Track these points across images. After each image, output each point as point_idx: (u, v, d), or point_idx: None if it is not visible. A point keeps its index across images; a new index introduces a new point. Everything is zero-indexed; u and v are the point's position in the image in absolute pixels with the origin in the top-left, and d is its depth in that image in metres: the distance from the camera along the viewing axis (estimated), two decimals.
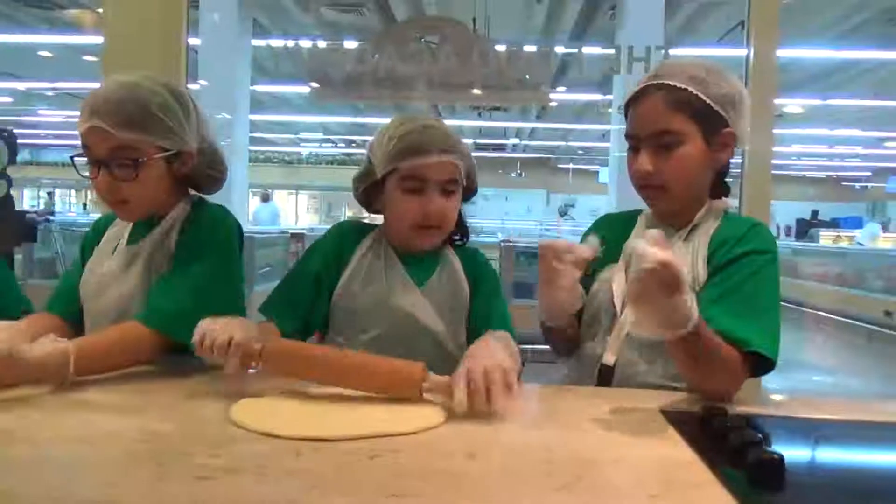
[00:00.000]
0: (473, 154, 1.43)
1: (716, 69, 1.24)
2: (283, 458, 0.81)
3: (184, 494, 0.70)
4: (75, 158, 1.28)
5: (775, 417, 1.09)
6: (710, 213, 1.30)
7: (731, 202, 1.36)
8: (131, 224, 1.39)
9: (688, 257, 1.25)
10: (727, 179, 1.37)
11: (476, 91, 4.21)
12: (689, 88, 1.20)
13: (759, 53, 2.30)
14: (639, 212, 1.40)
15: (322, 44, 4.70)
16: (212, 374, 1.17)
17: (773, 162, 2.34)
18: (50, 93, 11.50)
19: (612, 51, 6.44)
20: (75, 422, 0.94)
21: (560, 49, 7.34)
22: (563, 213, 18.86)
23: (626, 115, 1.29)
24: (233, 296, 1.36)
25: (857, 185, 20.15)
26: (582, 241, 1.37)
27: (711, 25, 7.73)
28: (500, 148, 18.16)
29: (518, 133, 16.57)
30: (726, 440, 0.89)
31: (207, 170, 1.39)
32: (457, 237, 1.47)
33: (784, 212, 16.19)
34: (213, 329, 1.05)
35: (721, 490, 0.76)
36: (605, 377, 1.26)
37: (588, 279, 1.33)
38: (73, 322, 1.37)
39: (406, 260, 1.40)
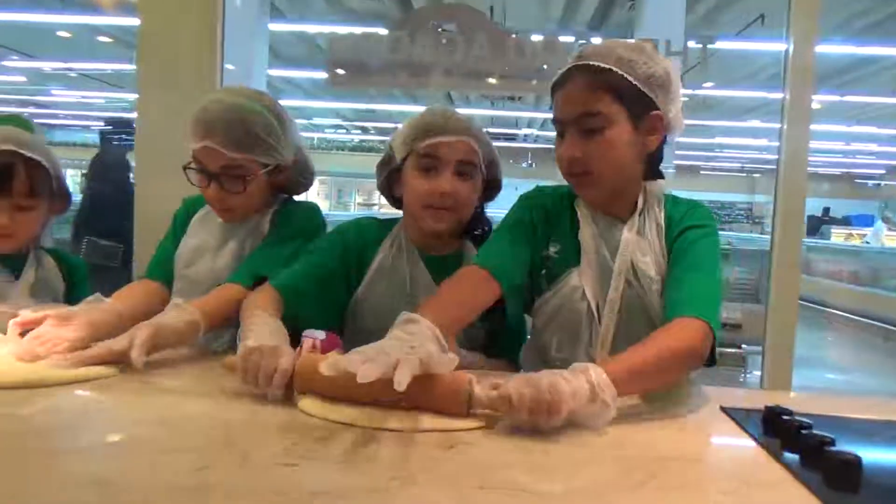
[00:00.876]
0: None
1: (644, 50, 1.20)
2: (363, 447, 0.81)
3: (271, 480, 0.71)
4: (187, 169, 1.40)
5: (835, 418, 1.08)
6: (651, 198, 1.27)
7: (661, 182, 1.29)
8: None
9: (649, 254, 1.23)
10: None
11: (494, 80, 4.19)
12: (614, 69, 1.16)
13: (797, 48, 2.27)
14: (566, 189, 1.32)
15: (344, 30, 4.71)
16: None
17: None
18: (73, 74, 11.50)
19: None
20: (152, 405, 0.95)
21: (596, 40, 7.29)
22: None
23: (552, 100, 1.25)
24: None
25: (871, 182, 20.03)
26: (515, 210, 1.33)
27: (731, 18, 7.67)
28: (512, 138, 18.12)
29: (530, 123, 16.51)
30: (798, 440, 0.89)
31: (299, 176, 1.53)
32: (475, 232, 1.46)
33: None
34: (256, 357, 1.00)
35: (801, 490, 0.76)
36: None
37: (544, 279, 1.28)
38: (170, 287, 1.49)
39: (429, 260, 1.40)
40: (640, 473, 0.79)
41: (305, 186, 1.56)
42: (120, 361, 1.08)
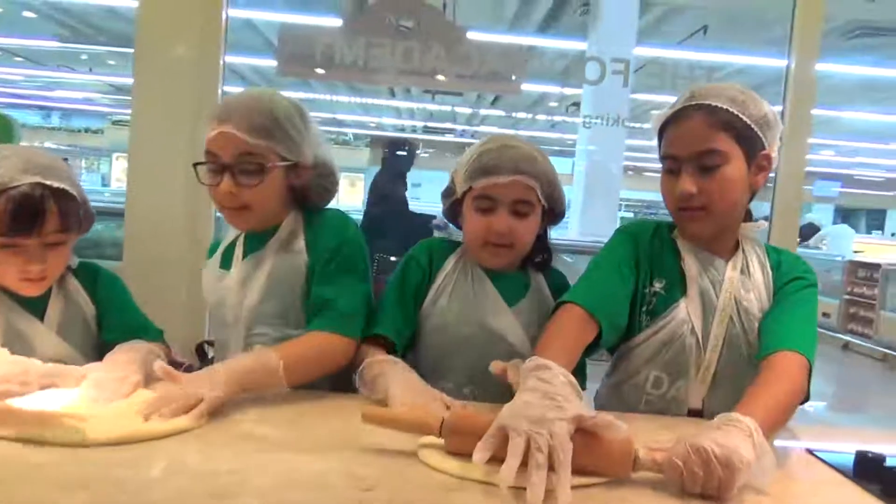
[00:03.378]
0: (423, 137, 1.45)
1: (748, 91, 1.26)
2: None
3: None
4: (197, 166, 1.29)
5: None
6: (747, 238, 1.33)
7: (763, 224, 1.37)
8: (243, 237, 1.40)
9: (752, 291, 1.28)
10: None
11: (446, 78, 4.19)
12: (730, 109, 1.22)
13: (799, 65, 2.38)
14: (662, 224, 1.37)
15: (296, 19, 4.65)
16: (355, 401, 1.17)
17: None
18: None
19: (583, 46, 6.49)
20: (275, 463, 0.90)
21: (548, 42, 7.39)
22: None
23: (658, 138, 1.30)
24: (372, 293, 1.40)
25: None
26: (615, 244, 1.34)
27: (676, 28, 7.92)
28: (450, 132, 18.16)
29: (469, 119, 16.57)
30: None
31: (321, 180, 1.41)
32: (537, 259, 1.46)
33: None
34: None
35: None
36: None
37: (646, 315, 1.30)
38: None
39: (494, 277, 1.41)
40: None
41: (328, 194, 1.44)
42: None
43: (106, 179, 18.53)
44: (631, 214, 15.99)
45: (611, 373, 1.39)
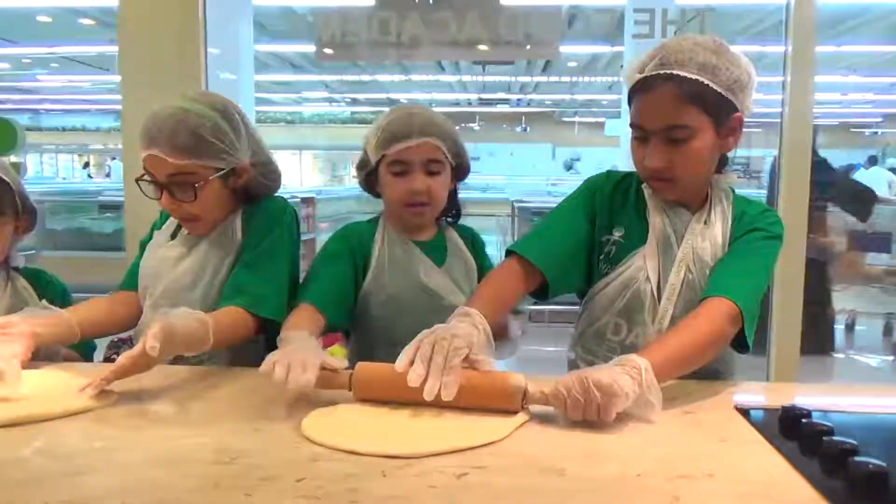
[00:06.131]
0: (478, 109, 1.42)
1: (723, 50, 1.19)
2: (370, 481, 0.79)
3: None
4: (140, 181, 1.34)
5: (850, 413, 1.08)
6: (718, 190, 1.30)
7: (733, 177, 1.34)
8: None
9: (708, 240, 1.26)
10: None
11: (484, 47, 4.09)
12: (701, 79, 1.15)
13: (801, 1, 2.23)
14: (633, 174, 1.33)
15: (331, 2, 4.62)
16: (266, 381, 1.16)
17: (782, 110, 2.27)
18: (55, 63, 11.35)
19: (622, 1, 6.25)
20: (151, 440, 0.92)
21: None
22: (568, 167, 18.72)
23: (629, 102, 1.25)
24: (298, 279, 1.45)
25: (868, 131, 19.86)
26: (575, 194, 1.36)
27: None
28: (505, 102, 17.93)
29: (522, 88, 16.32)
30: (819, 446, 0.86)
31: (262, 179, 1.45)
32: (449, 216, 1.57)
33: None
34: (286, 353, 1.04)
35: None
36: None
37: (604, 263, 1.30)
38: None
39: (419, 244, 1.50)
40: (663, 497, 0.76)
41: (272, 188, 1.49)
42: (142, 368, 1.06)
43: None
44: None
45: (578, 320, 1.40)
